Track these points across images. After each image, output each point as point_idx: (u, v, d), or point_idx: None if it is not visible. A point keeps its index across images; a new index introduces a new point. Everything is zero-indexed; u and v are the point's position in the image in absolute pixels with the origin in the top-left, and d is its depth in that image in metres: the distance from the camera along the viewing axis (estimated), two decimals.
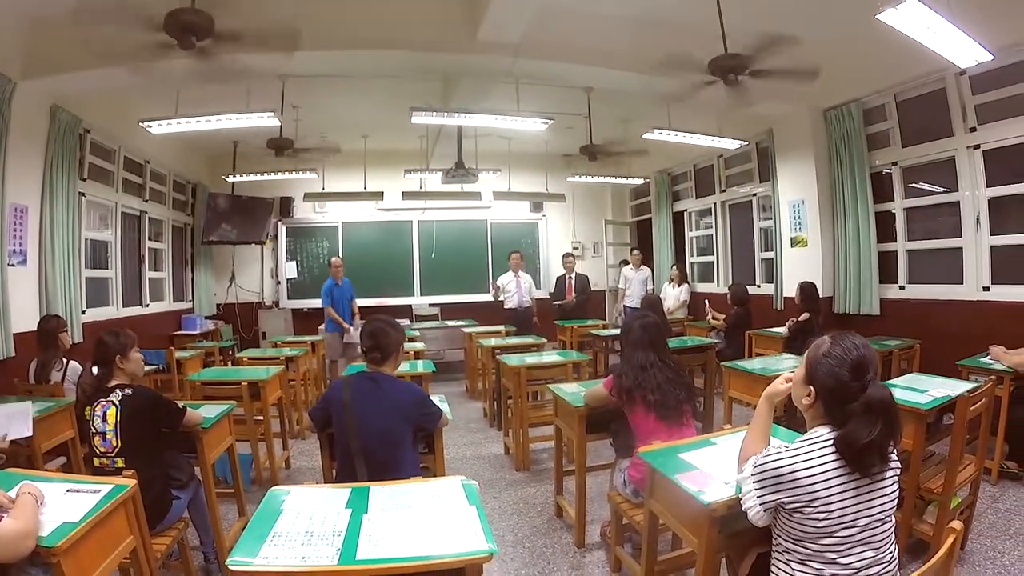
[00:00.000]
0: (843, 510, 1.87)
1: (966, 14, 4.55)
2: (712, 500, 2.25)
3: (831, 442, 1.93)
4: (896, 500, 1.97)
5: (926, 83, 6.84)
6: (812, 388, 2.03)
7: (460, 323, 10.27)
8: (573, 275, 10.52)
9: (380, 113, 9.01)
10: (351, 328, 9.20)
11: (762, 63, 4.92)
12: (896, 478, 1.98)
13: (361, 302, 10.88)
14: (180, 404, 3.50)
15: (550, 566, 3.84)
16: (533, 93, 7.43)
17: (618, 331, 7.99)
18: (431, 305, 12.15)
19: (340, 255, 11.45)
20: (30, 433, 3.50)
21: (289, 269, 11.84)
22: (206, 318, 10.74)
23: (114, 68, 5.58)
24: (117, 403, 3.17)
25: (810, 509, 1.89)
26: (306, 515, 2.19)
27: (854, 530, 1.88)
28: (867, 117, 7.63)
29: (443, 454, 3.58)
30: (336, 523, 2.13)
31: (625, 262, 11.59)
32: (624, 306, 10.75)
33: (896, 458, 1.99)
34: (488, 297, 10.89)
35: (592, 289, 11.03)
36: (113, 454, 3.13)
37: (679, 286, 10.50)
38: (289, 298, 11.86)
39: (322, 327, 9.39)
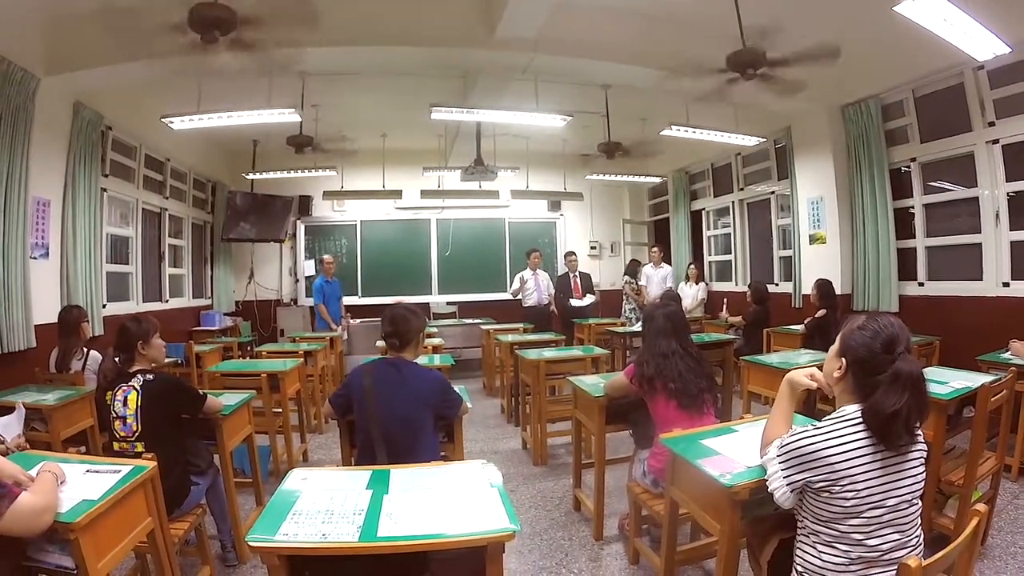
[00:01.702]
0: (870, 490, 1.86)
1: (983, 6, 4.52)
2: (734, 483, 2.24)
3: (858, 420, 1.93)
4: (923, 482, 1.96)
5: (944, 78, 6.80)
6: (843, 360, 2.04)
7: (478, 321, 10.25)
8: (577, 274, 10.40)
9: (399, 112, 9.00)
10: (338, 327, 9.26)
11: (780, 52, 4.88)
12: (923, 460, 1.97)
13: (378, 300, 11.02)
14: (201, 391, 3.53)
15: (568, 558, 3.83)
16: (551, 91, 7.43)
17: (634, 330, 8.05)
18: (449, 303, 12.15)
19: (359, 253, 11.76)
20: (24, 411, 3.54)
21: (307, 267, 11.83)
22: (225, 315, 10.80)
23: (136, 63, 5.63)
24: (138, 388, 3.18)
25: (837, 488, 1.88)
26: (326, 495, 2.19)
27: (881, 511, 1.87)
28: (885, 113, 7.59)
29: (463, 443, 3.58)
30: (357, 502, 2.13)
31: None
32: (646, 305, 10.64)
33: (922, 438, 1.98)
34: (506, 296, 10.99)
35: (595, 288, 10.89)
36: (133, 439, 3.15)
37: (696, 284, 10.48)
38: (307, 296, 11.79)
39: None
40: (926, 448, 2.00)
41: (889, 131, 7.57)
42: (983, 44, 4.88)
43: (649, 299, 10.49)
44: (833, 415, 2.02)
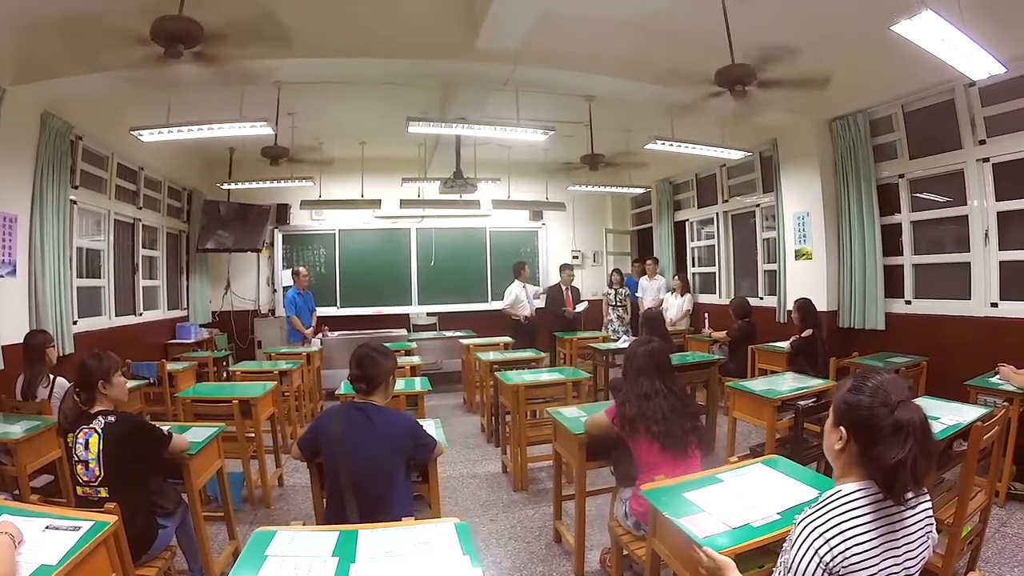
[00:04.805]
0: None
1: (977, 25, 4.44)
2: (721, 548, 2.12)
3: (856, 499, 1.79)
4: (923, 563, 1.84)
5: (934, 94, 6.74)
6: (843, 429, 1.85)
7: (458, 334, 10.14)
8: (570, 288, 10.37)
9: (378, 120, 8.85)
10: (312, 340, 9.16)
11: (770, 73, 4.80)
12: (927, 543, 1.85)
13: (358, 311, 11.00)
14: (166, 429, 3.37)
15: None
16: (533, 101, 7.33)
17: (615, 346, 7.97)
18: (429, 314, 12.00)
19: (337, 263, 11.65)
20: None
21: (285, 277, 11.51)
22: (201, 326, 10.61)
23: (105, 75, 5.45)
24: (100, 431, 3.04)
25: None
26: (290, 564, 2.06)
27: None
28: (874, 128, 7.53)
29: (438, 484, 3.44)
30: (322, 574, 2.00)
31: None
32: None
33: (932, 519, 1.87)
34: (487, 306, 11.26)
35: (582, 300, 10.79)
36: (96, 483, 3.00)
37: (682, 296, 10.40)
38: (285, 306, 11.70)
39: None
40: (935, 528, 1.88)
41: (877, 146, 7.51)
42: (979, 64, 4.78)
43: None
44: (828, 495, 1.86)
